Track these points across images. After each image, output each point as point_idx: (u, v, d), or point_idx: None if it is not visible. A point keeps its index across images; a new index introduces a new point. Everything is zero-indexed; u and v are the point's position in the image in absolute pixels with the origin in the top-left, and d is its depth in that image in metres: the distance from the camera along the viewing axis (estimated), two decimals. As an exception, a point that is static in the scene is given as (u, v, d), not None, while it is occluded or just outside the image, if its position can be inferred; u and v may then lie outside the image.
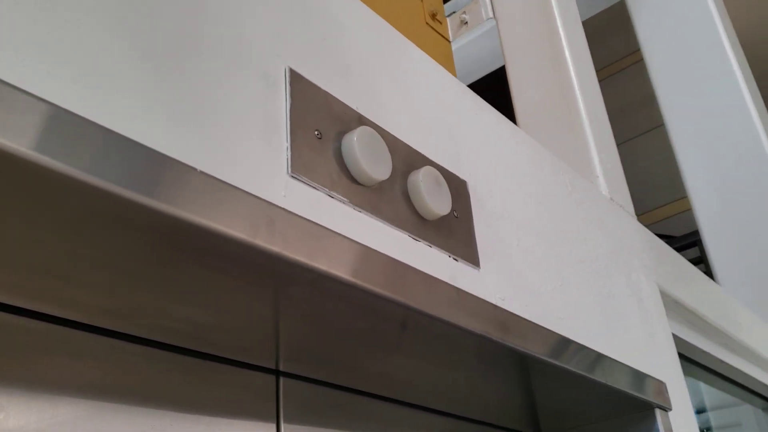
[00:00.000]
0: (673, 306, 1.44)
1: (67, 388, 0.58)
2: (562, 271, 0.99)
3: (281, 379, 0.76)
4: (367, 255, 0.61)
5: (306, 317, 0.65)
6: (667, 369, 1.18)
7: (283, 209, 0.54)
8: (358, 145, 0.66)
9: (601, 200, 1.28)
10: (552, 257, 0.99)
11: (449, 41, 1.83)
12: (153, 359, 0.64)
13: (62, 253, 0.49)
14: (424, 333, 0.71)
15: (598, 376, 0.94)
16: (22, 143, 0.39)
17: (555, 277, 0.97)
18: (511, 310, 0.81)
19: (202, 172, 0.48)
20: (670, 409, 1.09)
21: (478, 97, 0.99)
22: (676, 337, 1.43)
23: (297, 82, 0.65)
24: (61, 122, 0.42)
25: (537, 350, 0.81)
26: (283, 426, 0.74)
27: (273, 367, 0.75)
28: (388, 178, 0.70)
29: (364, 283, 0.58)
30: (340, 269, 0.56)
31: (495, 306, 0.77)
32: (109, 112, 0.46)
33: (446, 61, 1.74)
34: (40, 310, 0.56)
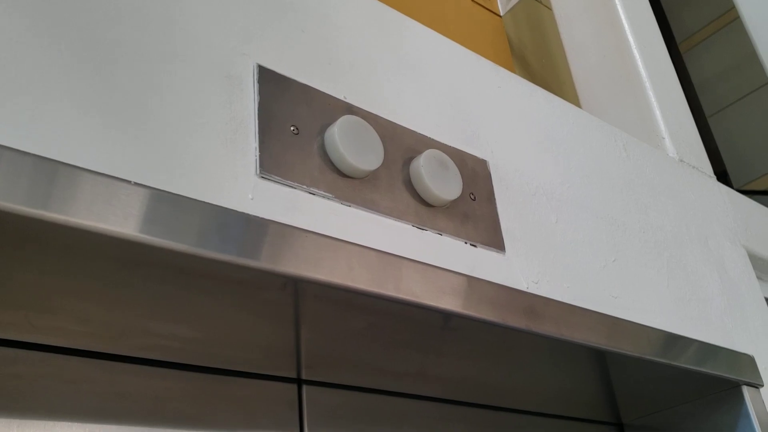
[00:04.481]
0: (766, 268, 1.31)
1: (63, 415, 0.57)
2: (616, 246, 0.91)
3: (304, 387, 0.73)
4: (347, 250, 0.57)
5: (315, 322, 0.62)
6: (757, 341, 1.06)
7: (238, 212, 0.51)
8: (339, 135, 0.62)
9: (668, 163, 1.17)
10: (602, 231, 0.91)
11: (500, 15, 1.75)
12: (155, 378, 0.63)
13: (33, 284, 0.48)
14: (439, 327, 0.66)
15: (667, 358, 0.85)
16: None
17: (607, 252, 0.89)
18: (546, 294, 0.74)
19: (136, 184, 0.46)
20: (761, 385, 0.98)
21: (501, 69, 0.93)
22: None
23: (267, 79, 0.62)
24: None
25: (580, 336, 0.74)
26: (309, 435, 0.72)
27: (294, 376, 0.72)
28: (383, 167, 0.66)
29: (342, 281, 0.54)
30: (311, 270, 0.53)
31: (520, 291, 0.71)
32: (36, 127, 0.45)
33: (497, 36, 1.67)
34: (25, 340, 0.56)
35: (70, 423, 0.58)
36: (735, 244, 1.20)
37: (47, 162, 0.43)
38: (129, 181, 0.46)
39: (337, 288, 0.55)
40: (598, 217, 0.91)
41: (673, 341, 0.87)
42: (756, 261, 1.25)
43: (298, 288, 0.54)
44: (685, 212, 1.12)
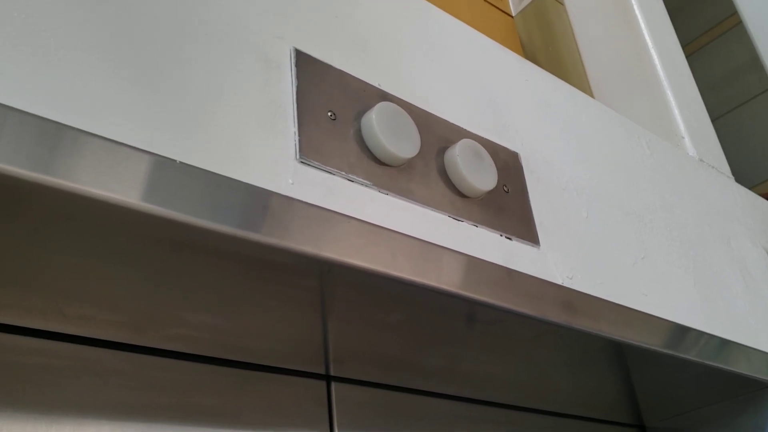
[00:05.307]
0: (787, 271, 1.29)
1: (92, 408, 0.55)
2: (644, 243, 0.89)
3: (333, 384, 0.71)
4: (389, 238, 0.55)
5: (347, 313, 0.60)
6: (783, 342, 1.04)
7: (283, 195, 0.49)
8: (377, 122, 0.60)
9: (688, 162, 1.16)
10: (630, 228, 0.89)
11: (512, 16, 1.74)
12: (184, 372, 0.61)
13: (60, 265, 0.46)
14: (475, 321, 0.64)
15: (695, 356, 0.83)
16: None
17: (636, 249, 0.87)
18: (581, 290, 0.72)
19: (182, 163, 0.44)
20: (790, 387, 0.96)
21: (528, 62, 0.91)
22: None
23: (304, 63, 0.60)
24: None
25: (615, 332, 0.72)
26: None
27: (323, 372, 0.70)
28: (419, 156, 0.64)
29: (385, 269, 0.52)
30: (354, 256, 0.51)
31: (557, 285, 0.69)
32: (85, 110, 0.43)
33: (509, 36, 1.65)
34: (58, 330, 0.54)
35: (98, 417, 0.55)
36: (756, 245, 1.19)
37: (91, 136, 0.41)
38: (174, 160, 0.44)
39: (380, 276, 0.53)
40: (626, 213, 0.90)
41: (703, 339, 0.85)
42: (775, 262, 1.23)
43: (337, 275, 0.52)
44: (707, 212, 1.10)
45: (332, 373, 0.70)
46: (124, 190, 0.41)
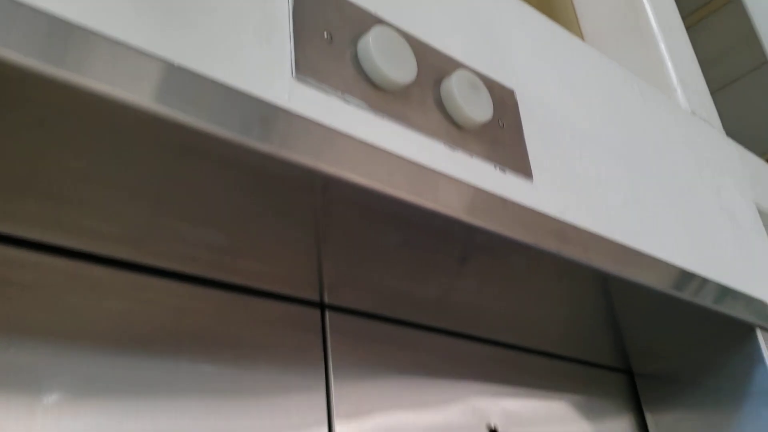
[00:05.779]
0: (775, 225, 1.31)
1: (90, 327, 0.56)
2: (636, 185, 0.90)
3: (327, 312, 0.72)
4: (387, 158, 0.55)
5: (342, 237, 0.60)
6: (767, 289, 1.06)
7: (283, 108, 0.49)
8: (374, 44, 0.60)
9: (681, 113, 1.16)
10: (623, 171, 0.90)
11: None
12: (180, 293, 0.62)
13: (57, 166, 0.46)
14: (471, 249, 0.65)
15: (684, 295, 0.85)
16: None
17: (628, 190, 0.88)
18: (574, 222, 0.73)
19: (180, 66, 0.44)
20: (774, 329, 0.98)
21: (526, 5, 0.91)
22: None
23: (301, -18, 0.59)
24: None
25: (605, 264, 0.73)
26: (331, 362, 0.70)
27: (317, 299, 0.71)
28: (415, 85, 0.64)
29: (382, 188, 0.53)
30: (352, 172, 0.51)
31: (549, 216, 0.70)
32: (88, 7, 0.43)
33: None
34: (54, 242, 0.54)
35: (92, 337, 0.56)
36: (745, 197, 1.20)
37: (94, 35, 0.41)
38: (172, 62, 0.44)
39: (377, 194, 0.53)
40: (618, 157, 0.90)
41: (692, 279, 0.86)
42: (764, 217, 1.25)
43: (334, 192, 0.53)
44: (698, 162, 1.11)
45: (326, 300, 0.71)
46: (134, 88, 0.41)
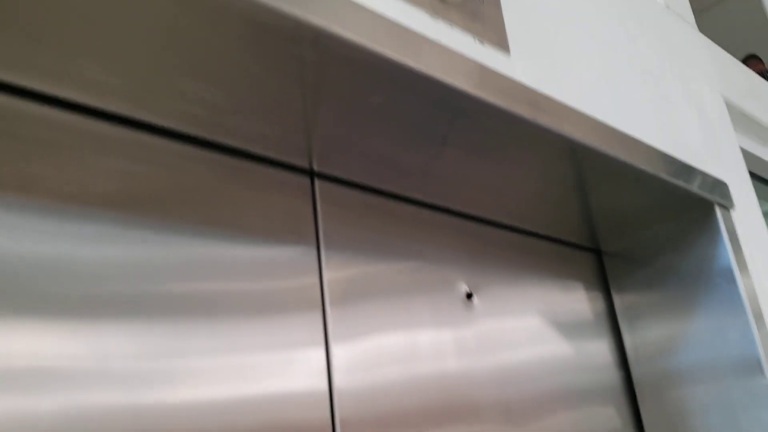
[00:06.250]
0: (741, 119, 1.37)
1: (93, 186, 0.60)
2: (609, 66, 0.95)
3: (316, 180, 0.77)
4: (373, 17, 0.59)
5: (331, 98, 0.64)
6: (730, 174, 1.12)
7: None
8: None
9: (655, 5, 1.20)
10: (597, 52, 0.94)
11: None
12: (178, 154, 0.66)
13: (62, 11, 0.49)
14: (448, 112, 0.69)
15: (654, 169, 0.90)
16: None
17: (601, 70, 0.92)
18: (548, 94, 0.78)
19: None
20: (732, 207, 1.04)
21: None
22: (746, 153, 1.36)
23: None
24: None
25: (576, 134, 0.78)
26: (321, 231, 0.75)
27: (307, 166, 0.75)
28: (399, -46, 0.67)
29: (370, 44, 0.56)
30: (340, 26, 0.55)
31: (525, 86, 0.74)
32: None
33: None
34: (59, 94, 0.57)
35: (96, 193, 0.60)
36: (713, 90, 1.25)
37: None
38: None
39: (361, 49, 0.57)
40: (593, 38, 0.94)
41: (658, 156, 0.92)
42: (730, 110, 1.30)
43: (323, 47, 0.56)
44: (670, 53, 1.15)
45: (316, 168, 0.76)
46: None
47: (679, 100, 1.10)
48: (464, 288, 0.91)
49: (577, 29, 0.91)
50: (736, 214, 1.06)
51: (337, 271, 0.76)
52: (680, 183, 0.94)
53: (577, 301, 1.12)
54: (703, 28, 1.37)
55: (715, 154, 1.11)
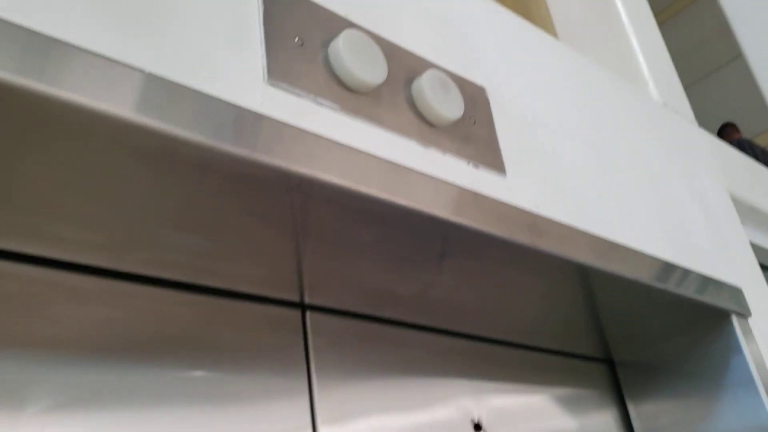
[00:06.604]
0: (749, 213, 1.34)
1: (72, 336, 0.56)
2: (609, 177, 0.92)
3: (307, 313, 0.73)
4: (359, 157, 0.56)
5: (320, 237, 0.61)
6: (743, 275, 1.08)
7: (256, 112, 0.50)
8: (344, 47, 0.61)
9: (652, 106, 1.19)
10: (596, 163, 0.91)
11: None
12: (162, 299, 0.62)
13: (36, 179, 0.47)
14: (448, 245, 0.66)
15: (663, 284, 0.86)
16: None
17: (601, 183, 0.89)
18: (548, 216, 0.75)
19: (150, 74, 0.45)
20: (749, 315, 1.00)
21: (494, 2, 0.92)
22: (756, 247, 1.32)
23: (271, -11, 0.60)
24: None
25: (580, 256, 0.75)
26: (313, 363, 0.71)
27: (297, 299, 0.72)
28: (386, 85, 0.65)
29: (355, 186, 0.54)
30: (325, 172, 0.52)
31: (523, 209, 0.71)
32: (49, 16, 0.43)
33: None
34: (35, 252, 0.55)
35: (74, 344, 0.57)
36: (717, 185, 1.23)
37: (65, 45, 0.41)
38: (142, 70, 0.45)
39: (350, 193, 0.54)
40: (591, 150, 0.92)
41: (667, 269, 0.88)
42: (737, 205, 1.27)
43: (308, 191, 0.54)
44: (671, 153, 1.13)
45: (307, 301, 0.72)
46: (110, 98, 0.42)
47: (683, 200, 1.07)
48: (476, 415, 0.86)
49: (574, 141, 0.89)
50: (753, 321, 1.01)
51: (332, 410, 0.71)
52: (692, 295, 0.90)
53: (592, 412, 1.06)
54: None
55: (725, 255, 1.07)
